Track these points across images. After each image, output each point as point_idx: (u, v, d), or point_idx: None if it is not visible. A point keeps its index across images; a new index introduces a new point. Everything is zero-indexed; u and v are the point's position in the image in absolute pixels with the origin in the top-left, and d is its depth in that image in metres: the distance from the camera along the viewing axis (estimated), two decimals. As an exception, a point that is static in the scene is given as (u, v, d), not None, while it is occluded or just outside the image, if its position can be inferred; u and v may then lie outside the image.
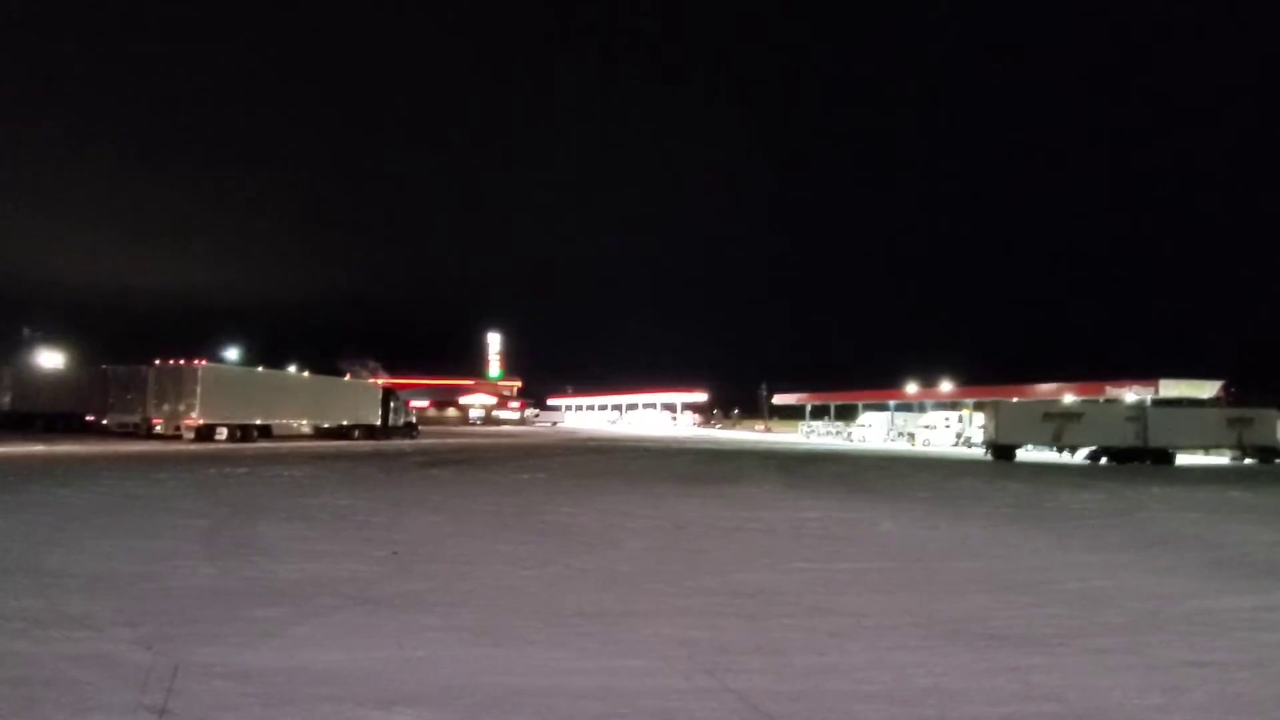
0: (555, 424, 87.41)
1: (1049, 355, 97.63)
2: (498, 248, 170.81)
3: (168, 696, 3.38)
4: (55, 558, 6.46)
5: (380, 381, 43.88)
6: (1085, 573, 7.23)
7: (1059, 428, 30.84)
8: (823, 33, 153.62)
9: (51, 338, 38.68)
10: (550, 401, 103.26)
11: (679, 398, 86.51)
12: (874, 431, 50.02)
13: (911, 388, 59.68)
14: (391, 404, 36.45)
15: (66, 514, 8.97)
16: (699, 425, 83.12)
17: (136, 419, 26.35)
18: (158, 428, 25.68)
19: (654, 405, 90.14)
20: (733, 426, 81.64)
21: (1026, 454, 32.18)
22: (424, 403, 73.90)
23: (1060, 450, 31.29)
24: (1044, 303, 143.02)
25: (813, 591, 5.98)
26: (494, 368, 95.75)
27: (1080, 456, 30.98)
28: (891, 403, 58.37)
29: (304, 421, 31.31)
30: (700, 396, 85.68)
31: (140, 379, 26.35)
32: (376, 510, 10.28)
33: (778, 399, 74.01)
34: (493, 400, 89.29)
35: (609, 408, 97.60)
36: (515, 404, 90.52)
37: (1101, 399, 42.47)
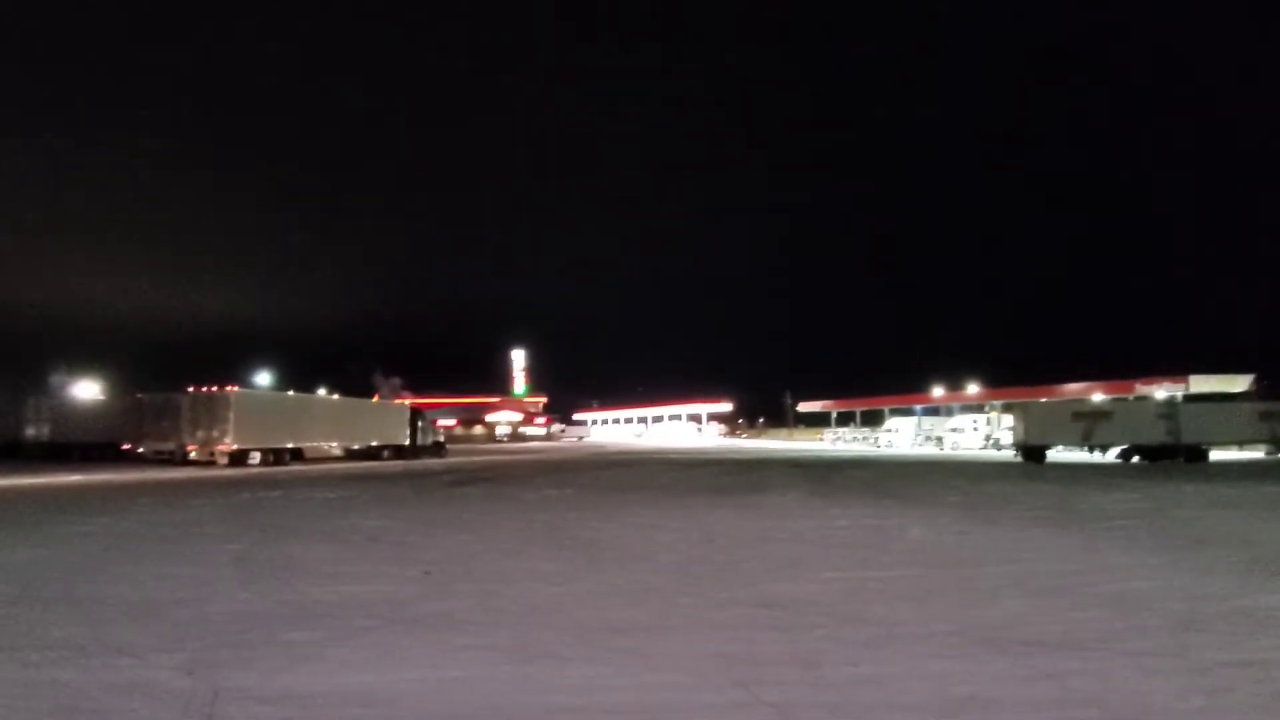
0: (581, 439, 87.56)
1: (1076, 354, 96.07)
2: (521, 266, 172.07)
3: (210, 722, 3.45)
4: (95, 586, 6.60)
5: (407, 401, 44.30)
6: (1121, 574, 7.11)
7: (1089, 427, 30.33)
8: (833, 32, 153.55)
9: (86, 369, 39.54)
10: (576, 416, 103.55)
11: (704, 408, 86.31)
12: (900, 436, 49.43)
13: (938, 391, 59.06)
14: (419, 424, 36.75)
15: (104, 542, 9.18)
16: (724, 435, 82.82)
17: (171, 446, 26.86)
18: (192, 454, 26.16)
19: (679, 417, 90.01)
20: (758, 435, 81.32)
21: (1057, 455, 31.65)
22: (451, 421, 74.43)
23: (1091, 450, 30.75)
24: (1068, 301, 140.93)
25: (844, 601, 5.94)
26: (519, 384, 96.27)
27: (1111, 456, 30.43)
28: (918, 407, 57.77)
29: (334, 444, 31.68)
30: (725, 406, 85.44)
31: (174, 407, 26.89)
32: (408, 530, 10.38)
33: (802, 406, 73.59)
34: (519, 417, 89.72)
35: (634, 420, 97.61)
36: (541, 420, 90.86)
37: (1131, 397, 41.72)
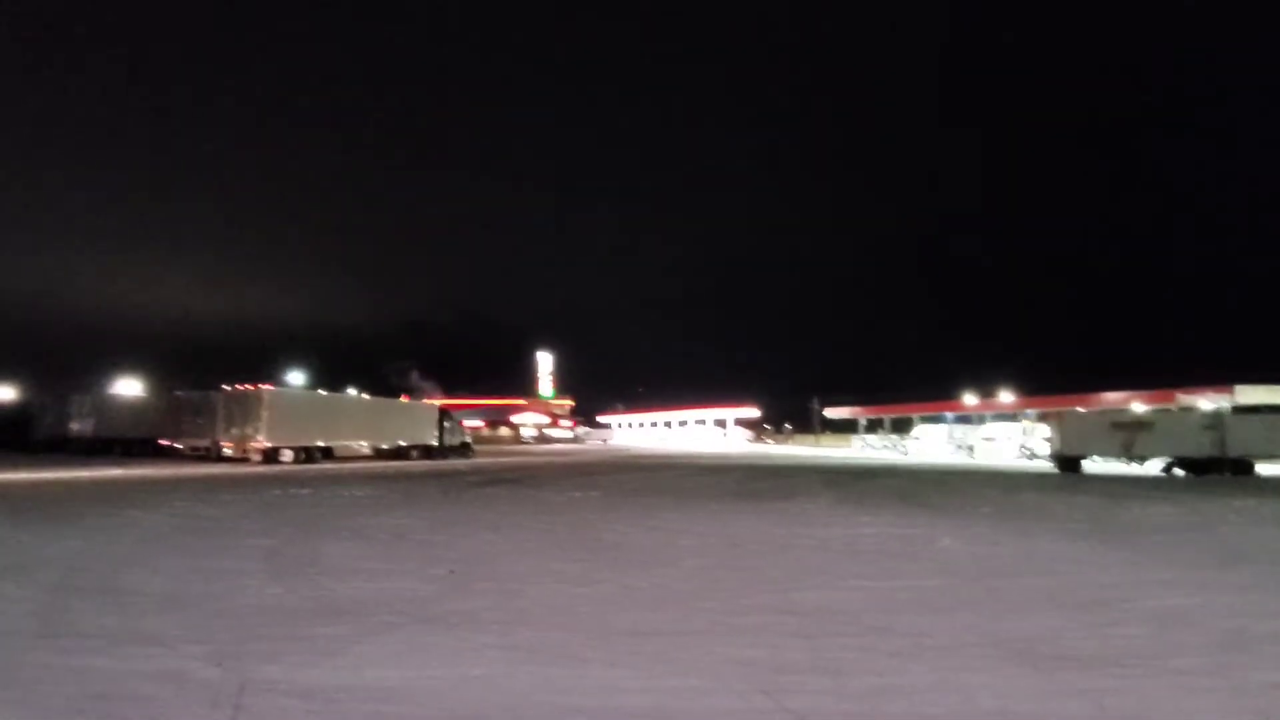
0: (606, 441, 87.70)
1: (1114, 362, 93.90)
2: (549, 269, 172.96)
3: (235, 713, 3.49)
4: (130, 577, 6.74)
5: (435, 402, 44.73)
6: (1161, 590, 6.90)
7: (1129, 438, 29.58)
8: (861, 28, 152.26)
9: (127, 367, 40.61)
10: (601, 419, 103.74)
11: (730, 413, 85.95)
12: (930, 444, 48.73)
13: (969, 398, 58.09)
14: (446, 424, 37.09)
15: (141, 535, 9.37)
16: (751, 440, 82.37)
17: (207, 443, 27.41)
18: (227, 451, 26.69)
19: (705, 421, 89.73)
20: (785, 441, 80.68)
21: (1094, 466, 30.95)
22: (478, 422, 74.97)
23: (1130, 462, 30.00)
24: (1107, 307, 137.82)
25: (870, 610, 5.84)
26: (545, 387, 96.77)
27: (1153, 468, 29.65)
28: (949, 414, 56.94)
29: (364, 442, 32.09)
30: (751, 411, 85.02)
31: (210, 404, 27.46)
32: (434, 529, 10.45)
33: (830, 412, 72.86)
34: (545, 419, 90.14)
35: (660, 424, 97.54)
36: (567, 422, 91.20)
37: (1174, 407, 40.66)
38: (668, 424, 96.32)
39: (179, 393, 29.81)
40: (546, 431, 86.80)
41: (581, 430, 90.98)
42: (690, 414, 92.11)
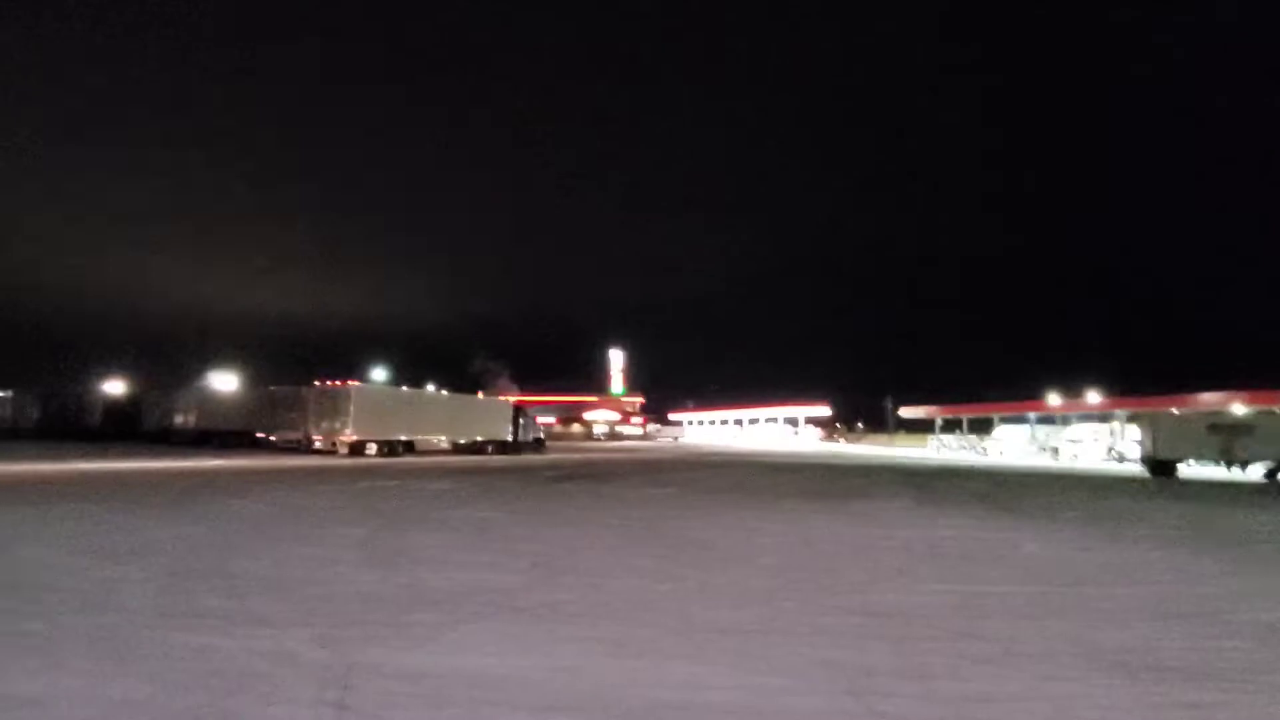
0: (677, 439, 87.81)
1: (1211, 361, 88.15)
2: (620, 267, 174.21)
3: (344, 693, 3.72)
4: (238, 562, 7.20)
5: (511, 399, 45.75)
6: (1267, 602, 6.54)
7: (1228, 441, 27.83)
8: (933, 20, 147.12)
9: (226, 364, 43.15)
10: (672, 416, 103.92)
11: (801, 411, 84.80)
12: (1011, 446, 46.93)
13: (1054, 399, 55.64)
14: (521, 420, 37.92)
15: (243, 523, 9.97)
16: (822, 439, 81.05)
17: (298, 436, 28.88)
18: (317, 443, 28.04)
19: (776, 419, 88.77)
20: (857, 440, 79.08)
21: (1189, 471, 29.24)
22: (550, 419, 76.27)
23: (1230, 466, 28.20)
24: (1204, 303, 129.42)
25: (954, 615, 5.74)
26: (617, 384, 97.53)
27: (1255, 474, 27.80)
28: (1031, 415, 54.71)
29: (443, 437, 33.14)
30: (823, 410, 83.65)
31: (301, 399, 28.92)
32: (514, 522, 10.76)
33: (904, 412, 71.03)
34: (616, 416, 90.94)
35: (730, 422, 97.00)
36: (638, 419, 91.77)
37: (1279, 409, 38.00)
38: (738, 422, 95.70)
39: (273, 388, 31.50)
40: (618, 428, 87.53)
41: (652, 427, 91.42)
42: (761, 412, 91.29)
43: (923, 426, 69.41)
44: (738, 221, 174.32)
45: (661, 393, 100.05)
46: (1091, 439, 41.46)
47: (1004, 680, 4.21)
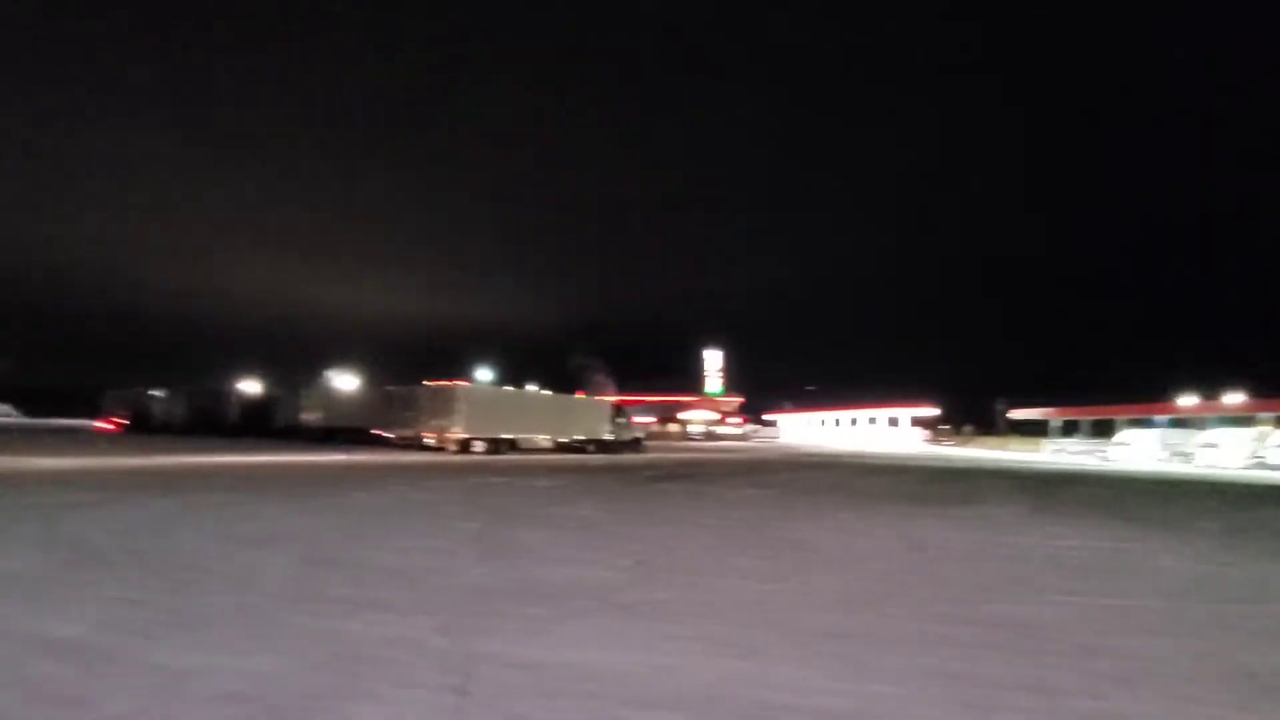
0: (775, 439, 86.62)
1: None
2: (718, 265, 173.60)
3: (466, 680, 3.92)
4: (362, 552, 7.67)
5: (609, 398, 46.44)
6: None
7: None
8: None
9: (348, 364, 46.09)
10: (770, 416, 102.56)
11: (905, 412, 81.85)
12: (1138, 450, 43.47)
13: (1187, 400, 51.33)
14: (620, 420, 38.43)
15: (365, 514, 10.62)
16: (927, 441, 77.89)
17: (411, 433, 30.40)
18: (428, 440, 29.44)
19: (877, 420, 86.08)
20: (965, 443, 75.47)
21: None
22: (648, 418, 76.86)
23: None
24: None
25: (1079, 628, 5.43)
26: (715, 383, 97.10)
27: None
28: (1160, 418, 50.70)
29: (544, 436, 34.05)
30: (929, 410, 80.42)
31: (414, 398, 30.50)
32: (616, 520, 10.96)
33: (1016, 413, 67.30)
34: (713, 415, 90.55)
35: (830, 423, 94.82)
36: (735, 419, 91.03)
37: None
38: (838, 422, 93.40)
39: (390, 388, 33.33)
40: (715, 428, 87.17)
41: (749, 427, 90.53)
42: (863, 413, 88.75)
43: (1036, 429, 65.65)
44: (840, 217, 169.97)
45: (759, 392, 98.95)
46: (1232, 444, 38.02)
47: (1138, 700, 3.96)
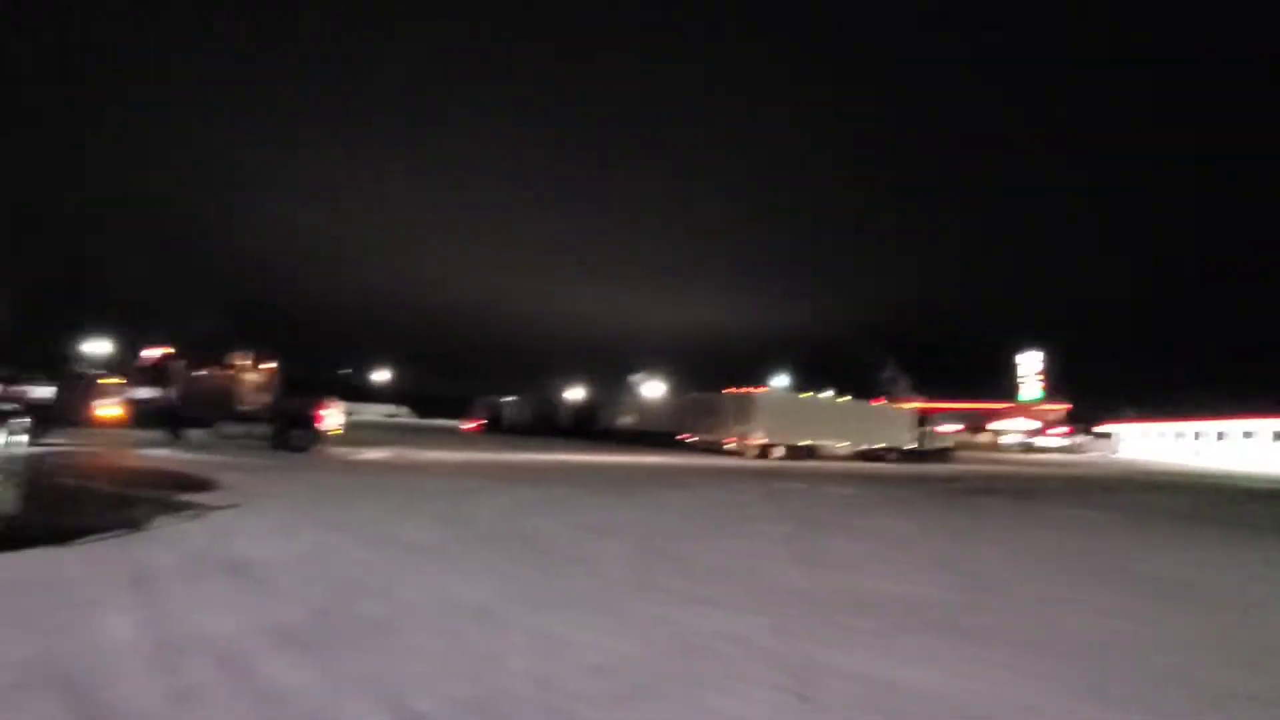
0: (1111, 453, 74.78)
1: None
2: (1035, 257, 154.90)
3: (805, 686, 3.97)
4: (685, 546, 8.27)
5: (912, 405, 44.00)
6: None
7: None
8: None
9: (657, 372, 50.92)
10: (1104, 427, 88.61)
11: (1300, 425, 65.28)
12: None
13: None
14: (923, 428, 36.27)
15: (679, 511, 11.49)
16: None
17: (713, 438, 31.82)
18: (728, 445, 30.56)
19: (1252, 433, 69.81)
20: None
21: None
22: (954, 427, 71.12)
23: None
24: None
25: None
26: (1032, 389, 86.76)
27: None
28: None
29: (842, 443, 33.35)
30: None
31: (716, 404, 31.95)
32: (924, 535, 10.44)
33: None
34: (1031, 425, 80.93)
35: (1184, 435, 79.09)
36: (1059, 429, 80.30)
37: None
38: (1196, 435, 77.54)
39: (693, 394, 35.33)
40: (1033, 439, 77.82)
41: (1077, 439, 79.21)
42: (1230, 424, 72.62)
43: None
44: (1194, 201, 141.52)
45: (1090, 399, 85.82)
46: None
47: None
